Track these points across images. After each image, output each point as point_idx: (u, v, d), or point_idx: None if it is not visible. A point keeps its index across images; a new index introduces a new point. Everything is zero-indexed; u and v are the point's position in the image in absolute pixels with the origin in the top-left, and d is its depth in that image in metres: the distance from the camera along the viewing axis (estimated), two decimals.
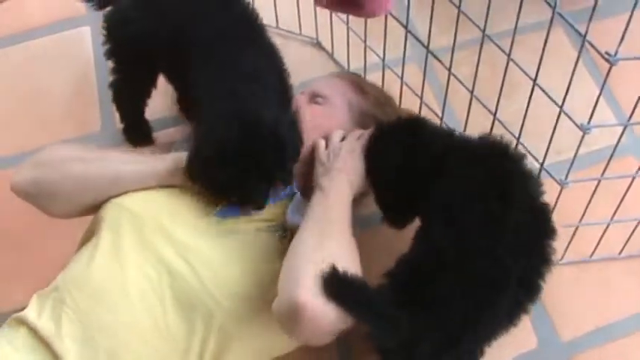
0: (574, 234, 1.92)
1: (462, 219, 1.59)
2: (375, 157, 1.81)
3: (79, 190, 1.78)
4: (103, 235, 1.70)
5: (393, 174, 1.78)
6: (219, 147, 1.66)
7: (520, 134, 1.77)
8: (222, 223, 1.76)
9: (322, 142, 1.87)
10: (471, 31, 1.76)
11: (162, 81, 2.03)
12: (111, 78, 2.03)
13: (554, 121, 1.66)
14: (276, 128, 1.68)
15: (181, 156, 1.76)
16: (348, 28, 2.29)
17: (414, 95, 2.15)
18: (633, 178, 1.81)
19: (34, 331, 1.62)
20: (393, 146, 1.79)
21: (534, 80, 1.66)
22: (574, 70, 1.54)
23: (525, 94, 1.70)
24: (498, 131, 1.78)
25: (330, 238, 1.60)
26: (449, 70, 1.94)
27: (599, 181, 1.81)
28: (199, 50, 1.81)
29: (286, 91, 1.86)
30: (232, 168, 1.66)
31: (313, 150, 1.87)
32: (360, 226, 1.84)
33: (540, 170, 1.79)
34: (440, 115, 2.12)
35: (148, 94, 2.05)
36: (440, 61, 1.95)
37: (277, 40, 2.17)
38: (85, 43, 2.57)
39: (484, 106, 1.89)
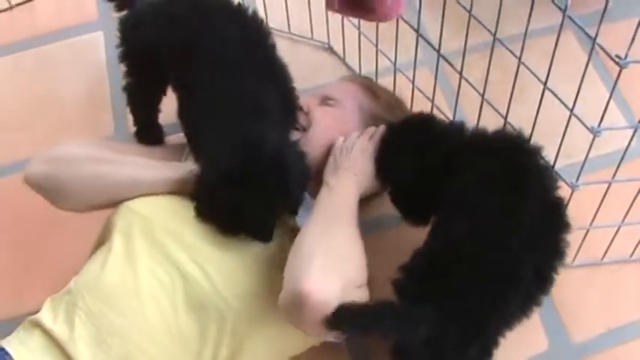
0: (585, 236, 1.92)
1: (477, 212, 1.60)
2: (388, 156, 1.82)
3: (90, 190, 1.78)
4: (115, 240, 1.71)
5: (407, 173, 1.79)
6: (221, 176, 1.67)
7: (531, 137, 1.77)
8: None
9: (340, 139, 1.89)
10: (482, 35, 1.77)
11: None
12: (124, 81, 2.04)
13: (565, 124, 1.66)
14: (280, 154, 1.69)
15: (193, 167, 1.77)
16: (359, 33, 2.29)
17: (426, 99, 2.16)
18: None
19: (48, 334, 1.63)
20: (405, 145, 1.80)
21: (545, 83, 1.66)
22: (584, 73, 1.54)
23: (536, 97, 1.70)
24: None
25: (335, 230, 1.62)
26: (460, 73, 1.94)
27: (610, 184, 1.81)
28: (205, 67, 1.82)
29: (292, 115, 1.88)
30: (236, 196, 1.66)
31: (324, 154, 1.88)
32: (365, 230, 1.84)
33: None
34: (451, 118, 2.12)
35: (159, 100, 2.06)
36: (451, 64, 1.96)
37: (289, 45, 2.19)
38: (98, 48, 2.58)
39: (495, 110, 1.89)
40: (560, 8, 1.49)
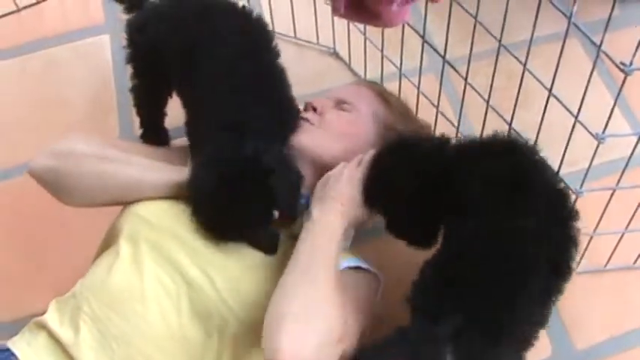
0: (589, 243, 1.91)
1: (482, 212, 1.59)
2: (375, 183, 1.78)
3: (92, 187, 1.78)
4: (121, 245, 1.71)
5: (397, 198, 1.75)
6: (203, 189, 1.68)
7: (535, 143, 1.77)
8: None
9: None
10: (487, 42, 1.77)
11: None
12: (131, 83, 2.05)
13: (569, 131, 1.66)
14: (258, 164, 1.68)
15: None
16: (365, 38, 2.30)
17: (431, 105, 2.16)
18: None
19: (53, 337, 1.63)
20: (392, 170, 1.76)
21: (550, 90, 1.66)
22: (589, 80, 1.55)
23: (540, 103, 1.70)
24: None
25: (311, 280, 1.57)
26: (465, 79, 1.94)
27: (614, 191, 1.82)
28: (200, 76, 1.82)
29: (287, 125, 1.87)
30: (219, 207, 1.67)
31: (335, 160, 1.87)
32: (374, 234, 1.85)
33: None
34: (456, 124, 2.13)
35: (164, 102, 2.06)
36: (456, 70, 1.96)
37: (294, 50, 2.19)
38: (104, 51, 2.59)
39: (500, 116, 1.89)
40: (565, 15, 1.49)
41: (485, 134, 1.78)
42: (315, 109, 1.95)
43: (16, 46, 2.66)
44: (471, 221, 1.59)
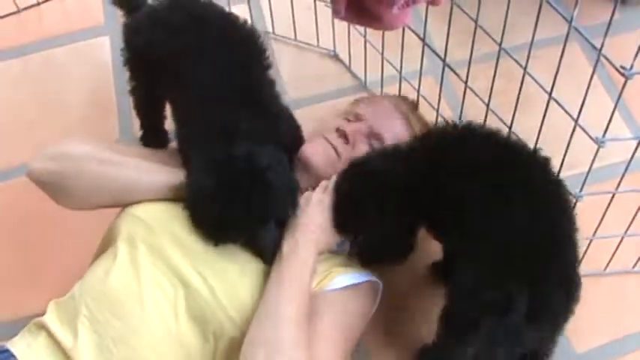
0: (588, 247, 1.91)
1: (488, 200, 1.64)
2: (341, 206, 1.78)
3: (90, 190, 1.78)
4: (119, 247, 1.71)
5: (364, 219, 1.77)
6: (199, 194, 1.68)
7: (535, 147, 1.77)
8: None
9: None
10: (487, 45, 1.77)
11: None
12: (129, 85, 2.05)
13: (569, 134, 1.66)
14: (265, 172, 1.68)
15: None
16: (365, 41, 2.30)
17: (431, 107, 2.16)
18: None
19: (53, 338, 1.63)
20: (352, 193, 1.77)
21: (550, 94, 1.66)
22: (589, 84, 1.55)
23: (540, 107, 1.70)
24: None
25: (281, 312, 1.60)
26: (465, 83, 1.95)
27: (614, 195, 1.82)
28: (192, 83, 1.82)
29: (279, 132, 1.85)
30: (215, 214, 1.67)
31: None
32: None
33: None
34: None
35: (162, 105, 2.07)
36: (456, 74, 1.96)
37: (295, 52, 2.19)
38: (104, 52, 2.59)
39: (500, 119, 1.90)
40: (566, 19, 1.49)
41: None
42: (346, 138, 1.93)
43: (17, 47, 2.66)
44: (477, 212, 1.63)
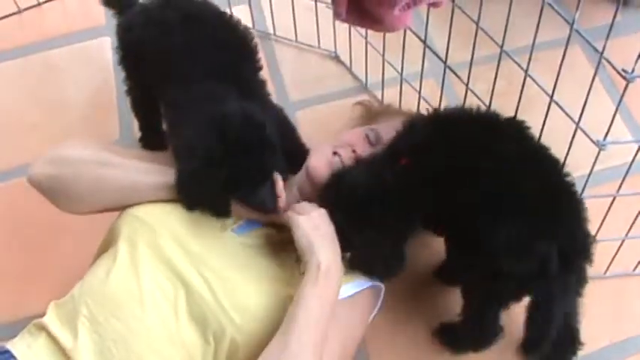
0: None
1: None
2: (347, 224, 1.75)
3: (91, 192, 1.77)
4: (120, 248, 1.70)
5: (356, 227, 1.75)
6: (203, 159, 1.66)
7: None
8: (239, 239, 1.78)
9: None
10: (488, 47, 1.77)
11: None
12: (125, 85, 2.06)
13: (570, 137, 1.66)
14: (265, 127, 1.68)
15: None
16: (366, 42, 2.30)
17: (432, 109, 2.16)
18: None
19: (53, 339, 1.63)
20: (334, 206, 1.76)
21: (551, 96, 1.66)
22: (590, 87, 1.55)
23: (541, 109, 1.70)
24: None
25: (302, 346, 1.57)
26: (466, 85, 1.94)
27: (615, 198, 1.82)
28: (182, 82, 1.82)
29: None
30: (226, 167, 1.65)
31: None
32: None
33: None
34: None
35: (158, 106, 2.03)
36: (458, 76, 1.96)
37: (295, 53, 2.18)
38: (105, 53, 2.59)
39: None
40: (567, 22, 1.49)
41: None
42: (354, 153, 1.92)
43: (17, 48, 2.66)
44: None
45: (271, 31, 2.60)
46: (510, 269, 1.63)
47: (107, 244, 1.79)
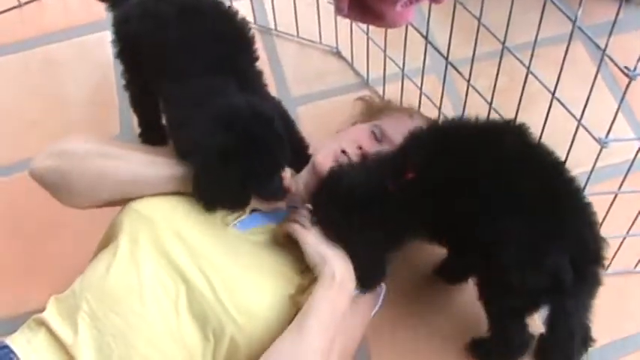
0: None
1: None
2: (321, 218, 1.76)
3: (93, 185, 1.76)
4: (121, 243, 1.70)
5: (363, 236, 1.74)
6: (218, 153, 1.66)
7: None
8: (240, 235, 1.78)
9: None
10: (490, 43, 1.77)
11: None
12: (124, 80, 2.05)
13: (572, 134, 1.66)
14: (255, 109, 1.68)
15: None
16: (368, 38, 2.29)
17: (433, 106, 2.16)
18: None
19: (53, 334, 1.63)
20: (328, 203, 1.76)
21: (553, 93, 1.66)
22: (593, 84, 1.54)
23: (543, 105, 1.70)
24: None
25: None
26: (468, 81, 1.94)
27: (616, 195, 1.81)
28: (178, 74, 1.81)
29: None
30: (238, 162, 1.66)
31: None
32: None
33: None
34: None
35: (156, 100, 2.02)
36: (459, 72, 1.96)
37: (297, 49, 2.17)
38: (105, 48, 2.58)
39: (502, 118, 1.89)
40: (570, 19, 1.49)
41: None
42: (360, 150, 1.92)
43: (18, 42, 2.66)
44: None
45: (272, 27, 2.60)
46: (522, 284, 1.63)
47: (108, 238, 1.79)
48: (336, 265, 1.66)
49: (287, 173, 1.77)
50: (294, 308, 1.65)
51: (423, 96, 2.19)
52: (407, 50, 2.13)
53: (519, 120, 1.82)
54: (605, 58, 1.47)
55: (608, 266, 2.01)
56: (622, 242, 1.96)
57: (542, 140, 1.75)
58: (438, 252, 1.95)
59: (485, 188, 1.64)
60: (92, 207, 1.81)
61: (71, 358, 1.59)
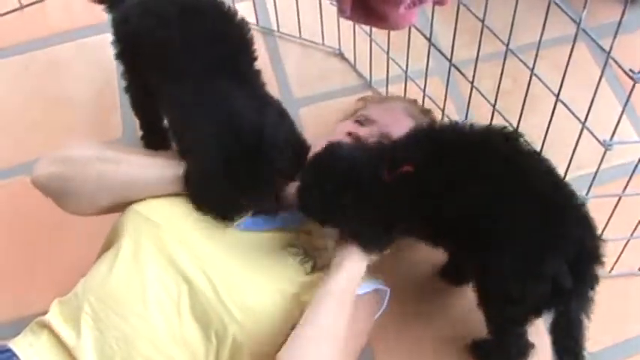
0: None
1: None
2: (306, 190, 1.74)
3: (95, 190, 1.77)
4: (123, 244, 1.71)
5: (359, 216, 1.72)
6: (220, 163, 1.67)
7: (542, 148, 1.76)
8: (242, 236, 1.78)
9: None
10: (493, 44, 1.77)
11: None
12: (124, 82, 2.05)
13: (576, 135, 1.66)
14: (259, 131, 1.67)
15: None
16: (371, 40, 2.29)
17: (437, 108, 2.15)
18: None
19: (55, 337, 1.63)
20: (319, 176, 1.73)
21: (557, 96, 1.66)
22: (597, 87, 1.54)
23: (546, 107, 1.70)
24: None
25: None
26: (472, 83, 1.94)
27: (620, 198, 1.81)
28: (179, 74, 1.81)
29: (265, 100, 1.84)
30: (228, 180, 1.67)
31: None
32: None
33: None
34: None
35: (157, 102, 2.02)
36: (463, 74, 1.95)
37: (299, 50, 2.16)
38: (107, 49, 2.55)
39: (506, 120, 1.89)
40: (574, 21, 1.48)
41: None
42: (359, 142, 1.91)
43: (20, 44, 2.65)
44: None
45: (275, 28, 2.59)
46: (522, 295, 1.62)
47: (111, 240, 1.79)
48: (345, 253, 1.68)
49: (291, 188, 1.76)
50: (299, 307, 1.65)
51: (426, 98, 2.19)
52: (410, 52, 2.12)
53: (523, 121, 1.83)
54: (609, 60, 1.47)
55: (612, 268, 2.01)
56: (626, 244, 1.96)
57: (546, 142, 1.75)
58: (441, 254, 1.94)
59: (477, 195, 1.62)
60: (96, 214, 1.82)
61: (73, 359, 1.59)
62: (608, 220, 1.84)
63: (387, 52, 2.25)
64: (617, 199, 1.83)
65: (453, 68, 1.97)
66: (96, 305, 1.64)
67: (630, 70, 1.42)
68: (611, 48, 1.44)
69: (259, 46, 1.89)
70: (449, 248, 1.83)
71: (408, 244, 1.90)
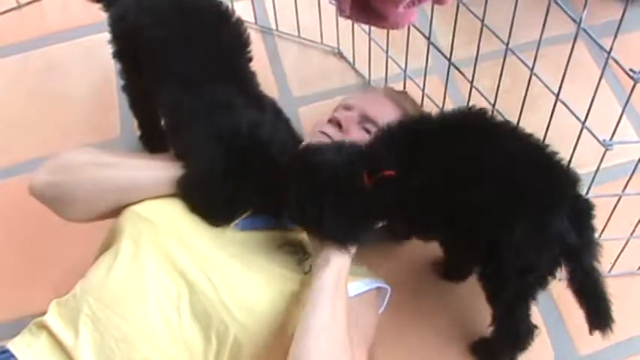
0: None
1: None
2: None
3: (92, 195, 1.77)
4: (122, 245, 1.70)
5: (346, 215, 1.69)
6: (218, 171, 1.68)
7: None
8: (241, 236, 1.78)
9: None
10: (493, 43, 1.76)
11: None
12: (122, 81, 2.05)
13: (575, 135, 1.66)
14: (254, 133, 1.68)
15: None
16: (369, 38, 2.29)
17: (436, 107, 2.15)
18: None
19: (54, 338, 1.62)
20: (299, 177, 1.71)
21: (557, 95, 1.65)
22: (597, 87, 1.54)
23: (546, 106, 1.69)
24: None
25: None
26: (471, 82, 1.93)
27: (620, 197, 1.81)
28: (173, 72, 1.81)
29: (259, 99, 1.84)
30: (226, 185, 1.68)
31: None
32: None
33: None
34: None
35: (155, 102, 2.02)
36: (462, 73, 1.95)
37: (298, 49, 2.16)
38: (105, 49, 2.56)
39: (505, 119, 1.88)
40: (574, 20, 1.48)
41: None
42: (340, 126, 1.92)
43: (17, 44, 2.65)
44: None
45: (273, 27, 2.59)
46: (536, 263, 1.64)
47: (110, 241, 1.79)
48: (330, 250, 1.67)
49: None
50: (298, 306, 1.64)
51: (425, 97, 2.19)
52: (409, 51, 2.12)
53: (522, 121, 1.82)
54: (609, 59, 1.47)
55: (612, 268, 2.01)
56: (626, 244, 1.96)
57: (546, 141, 1.75)
58: (440, 251, 1.94)
59: (467, 180, 1.62)
60: (94, 219, 1.83)
61: None
62: (608, 219, 1.84)
63: (386, 51, 2.25)
64: (616, 198, 1.83)
65: (452, 67, 1.97)
66: (95, 306, 1.63)
67: (630, 70, 1.42)
68: (611, 48, 1.44)
69: (258, 45, 1.89)
70: (441, 242, 1.84)
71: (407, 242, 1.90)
